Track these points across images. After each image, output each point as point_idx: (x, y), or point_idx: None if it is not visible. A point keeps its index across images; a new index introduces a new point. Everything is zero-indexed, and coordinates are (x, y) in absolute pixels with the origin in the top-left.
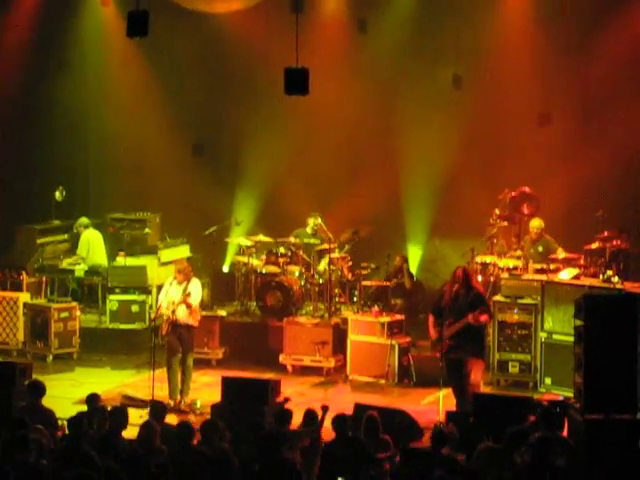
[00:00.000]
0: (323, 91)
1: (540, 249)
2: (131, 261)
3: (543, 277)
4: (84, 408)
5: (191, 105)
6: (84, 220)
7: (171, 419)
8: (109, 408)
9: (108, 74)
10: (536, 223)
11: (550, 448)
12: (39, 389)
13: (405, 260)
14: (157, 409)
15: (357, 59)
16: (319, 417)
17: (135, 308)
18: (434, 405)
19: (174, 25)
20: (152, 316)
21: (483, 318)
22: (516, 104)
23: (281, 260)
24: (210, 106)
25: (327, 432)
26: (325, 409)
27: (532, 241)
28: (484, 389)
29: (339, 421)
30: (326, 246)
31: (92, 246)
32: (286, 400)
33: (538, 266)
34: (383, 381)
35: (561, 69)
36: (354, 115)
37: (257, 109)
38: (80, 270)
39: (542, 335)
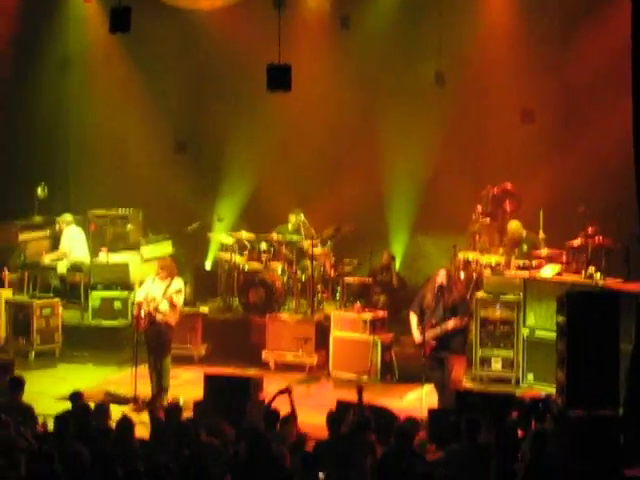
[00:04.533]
0: (306, 88)
1: (525, 248)
2: (113, 258)
3: (525, 274)
4: (67, 405)
5: (173, 102)
6: (67, 216)
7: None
8: (92, 405)
9: (90, 70)
10: (514, 226)
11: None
12: (19, 385)
13: (393, 258)
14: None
15: (340, 56)
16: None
17: (117, 305)
18: (417, 402)
19: (156, 21)
20: (134, 312)
21: (460, 324)
22: (499, 101)
23: (263, 257)
24: (192, 103)
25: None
26: (360, 390)
27: (514, 243)
28: (466, 385)
29: (333, 418)
30: (309, 242)
31: (74, 242)
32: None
33: (520, 262)
34: (366, 377)
35: (544, 66)
36: (336, 111)
37: (240, 106)
38: (62, 267)
39: (524, 331)
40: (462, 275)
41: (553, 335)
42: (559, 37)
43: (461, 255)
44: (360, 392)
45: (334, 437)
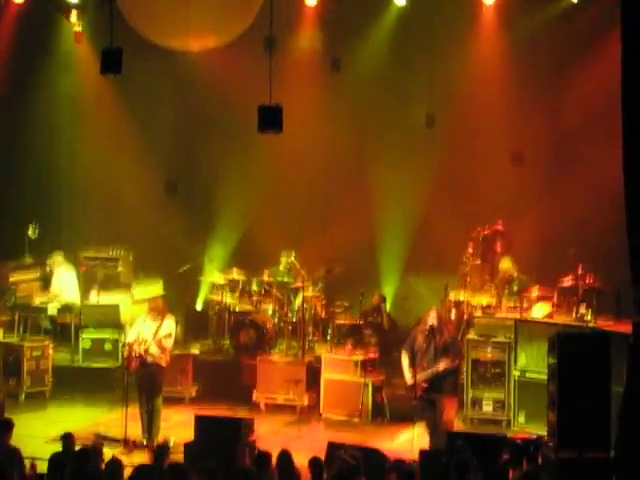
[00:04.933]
0: (297, 128)
1: (515, 289)
2: (104, 298)
3: (516, 315)
4: (57, 447)
5: (165, 142)
6: (58, 256)
7: (144, 457)
8: (81, 447)
9: (81, 111)
10: (505, 265)
11: None
12: (6, 427)
13: (383, 299)
14: (160, 451)
15: (331, 97)
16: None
17: (108, 346)
18: (408, 443)
19: (148, 63)
20: (125, 354)
21: (451, 366)
22: (489, 142)
23: (254, 297)
24: (184, 143)
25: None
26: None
27: (505, 282)
28: (457, 427)
29: (315, 464)
30: (299, 284)
31: (65, 283)
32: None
33: (511, 304)
34: (357, 419)
35: (534, 107)
36: (328, 152)
37: (231, 146)
38: (53, 308)
39: (515, 373)
40: (453, 315)
41: (544, 376)
42: (550, 79)
43: (452, 295)
44: None
45: None
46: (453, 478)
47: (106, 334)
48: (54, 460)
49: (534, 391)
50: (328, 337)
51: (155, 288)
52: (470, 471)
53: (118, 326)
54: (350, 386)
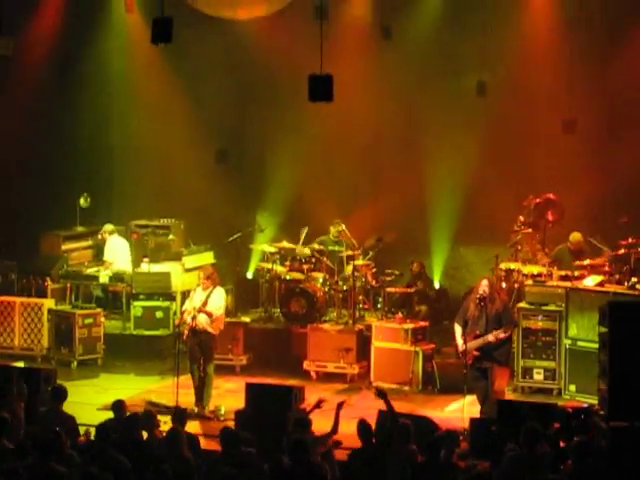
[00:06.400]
0: (347, 98)
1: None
2: (155, 267)
3: (567, 284)
4: (109, 414)
5: (215, 112)
6: (109, 227)
7: (195, 426)
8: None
9: (132, 81)
10: (577, 237)
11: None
12: (60, 394)
13: (422, 266)
14: (179, 415)
15: (382, 66)
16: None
17: (159, 314)
18: (458, 412)
19: (198, 32)
20: (176, 322)
21: (503, 336)
22: (541, 111)
23: (305, 267)
24: (234, 113)
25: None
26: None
27: (572, 252)
28: (508, 396)
29: (363, 426)
30: (350, 253)
31: (117, 252)
32: (320, 403)
33: (562, 273)
34: (407, 388)
35: (587, 76)
36: (378, 122)
37: (281, 116)
38: (104, 276)
39: (566, 342)
40: (504, 285)
41: (595, 346)
42: (602, 47)
43: (503, 265)
44: (384, 397)
45: (368, 446)
46: (524, 447)
47: (157, 302)
48: (100, 428)
49: (585, 360)
50: (378, 306)
51: (206, 257)
52: (540, 440)
53: (169, 294)
54: (400, 355)
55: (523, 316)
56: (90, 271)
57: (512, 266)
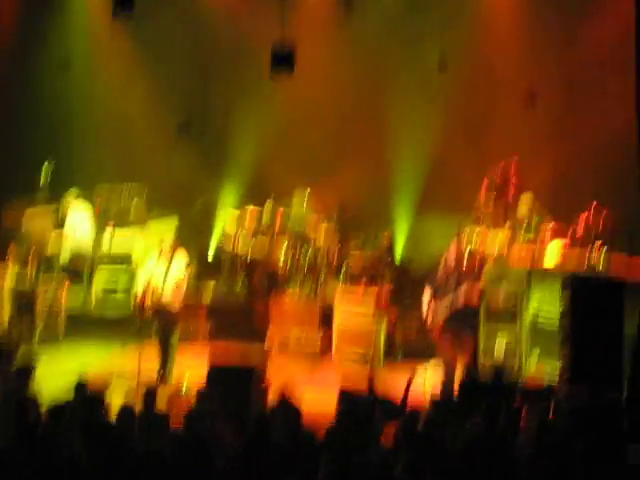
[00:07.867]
0: (309, 69)
1: (534, 223)
2: (119, 233)
3: (528, 262)
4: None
5: (178, 83)
6: (73, 192)
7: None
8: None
9: (94, 52)
10: (528, 198)
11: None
12: (25, 373)
13: (391, 238)
14: (148, 393)
15: (343, 38)
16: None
17: (121, 296)
18: (420, 386)
19: (160, 3)
20: (139, 294)
21: (468, 302)
22: (503, 82)
23: (267, 235)
24: (197, 85)
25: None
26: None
27: (524, 216)
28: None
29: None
30: (313, 221)
31: (77, 228)
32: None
33: (526, 237)
34: (371, 353)
35: (548, 49)
36: (341, 93)
37: (243, 87)
38: (66, 247)
39: (527, 318)
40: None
41: (557, 321)
42: (564, 21)
43: (466, 236)
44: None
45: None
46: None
47: (119, 284)
48: (51, 409)
49: (546, 337)
50: (341, 276)
51: (169, 223)
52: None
53: (132, 260)
54: (365, 321)
55: (484, 294)
56: (51, 250)
57: (474, 237)
